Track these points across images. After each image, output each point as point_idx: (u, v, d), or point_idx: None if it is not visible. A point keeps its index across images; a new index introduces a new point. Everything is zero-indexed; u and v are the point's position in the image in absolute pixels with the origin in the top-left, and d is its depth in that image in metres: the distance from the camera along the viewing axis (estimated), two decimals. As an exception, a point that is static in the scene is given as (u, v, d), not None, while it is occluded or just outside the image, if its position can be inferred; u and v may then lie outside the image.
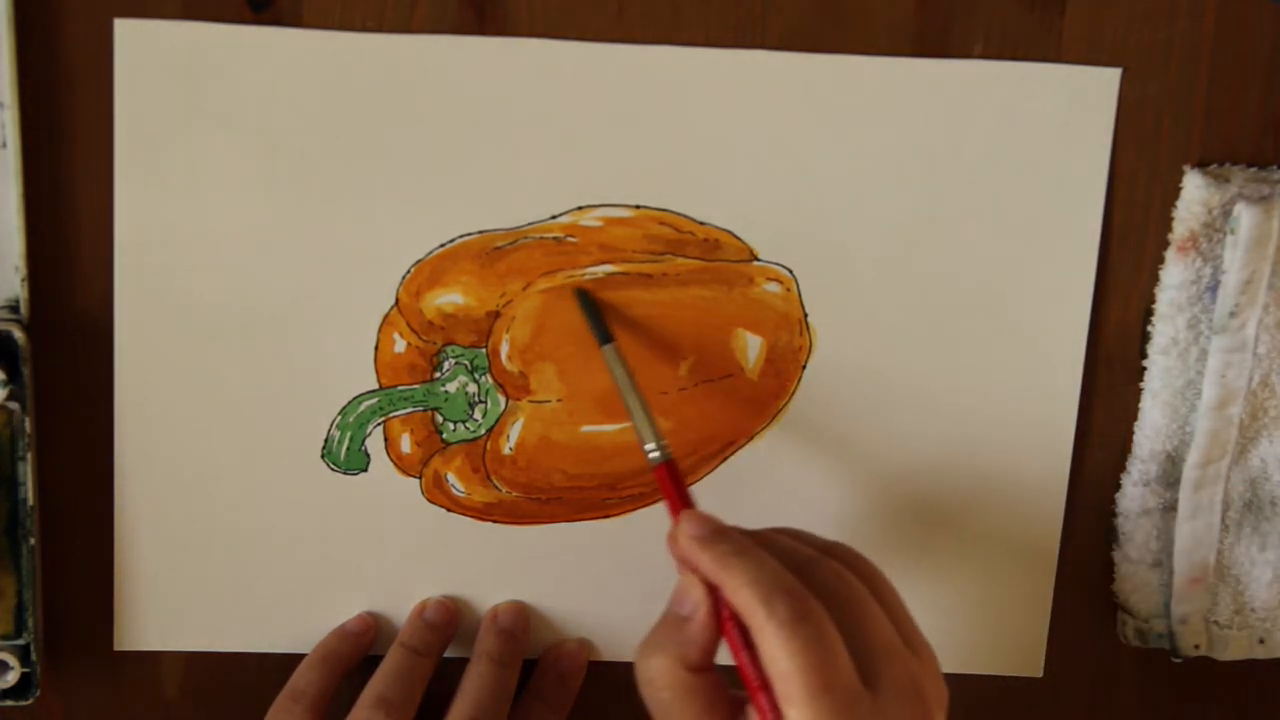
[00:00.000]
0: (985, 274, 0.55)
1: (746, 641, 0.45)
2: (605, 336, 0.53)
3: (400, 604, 0.56)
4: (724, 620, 0.46)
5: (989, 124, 0.54)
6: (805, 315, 0.55)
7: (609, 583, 0.57)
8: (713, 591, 0.46)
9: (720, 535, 0.47)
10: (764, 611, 0.44)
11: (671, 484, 0.50)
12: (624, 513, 0.56)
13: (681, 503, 0.49)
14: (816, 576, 0.46)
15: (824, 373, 0.55)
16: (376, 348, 0.54)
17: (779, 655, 0.43)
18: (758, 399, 0.56)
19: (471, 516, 0.56)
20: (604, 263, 0.54)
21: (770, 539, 0.48)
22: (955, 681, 0.57)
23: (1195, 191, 0.55)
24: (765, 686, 0.44)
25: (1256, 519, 0.58)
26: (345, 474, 0.55)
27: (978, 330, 0.56)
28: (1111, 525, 0.58)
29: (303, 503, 0.55)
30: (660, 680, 0.46)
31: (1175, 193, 0.55)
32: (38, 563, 0.53)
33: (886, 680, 0.45)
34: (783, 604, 0.44)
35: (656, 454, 0.50)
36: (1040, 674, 0.59)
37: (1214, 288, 0.55)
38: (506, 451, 0.55)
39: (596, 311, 0.53)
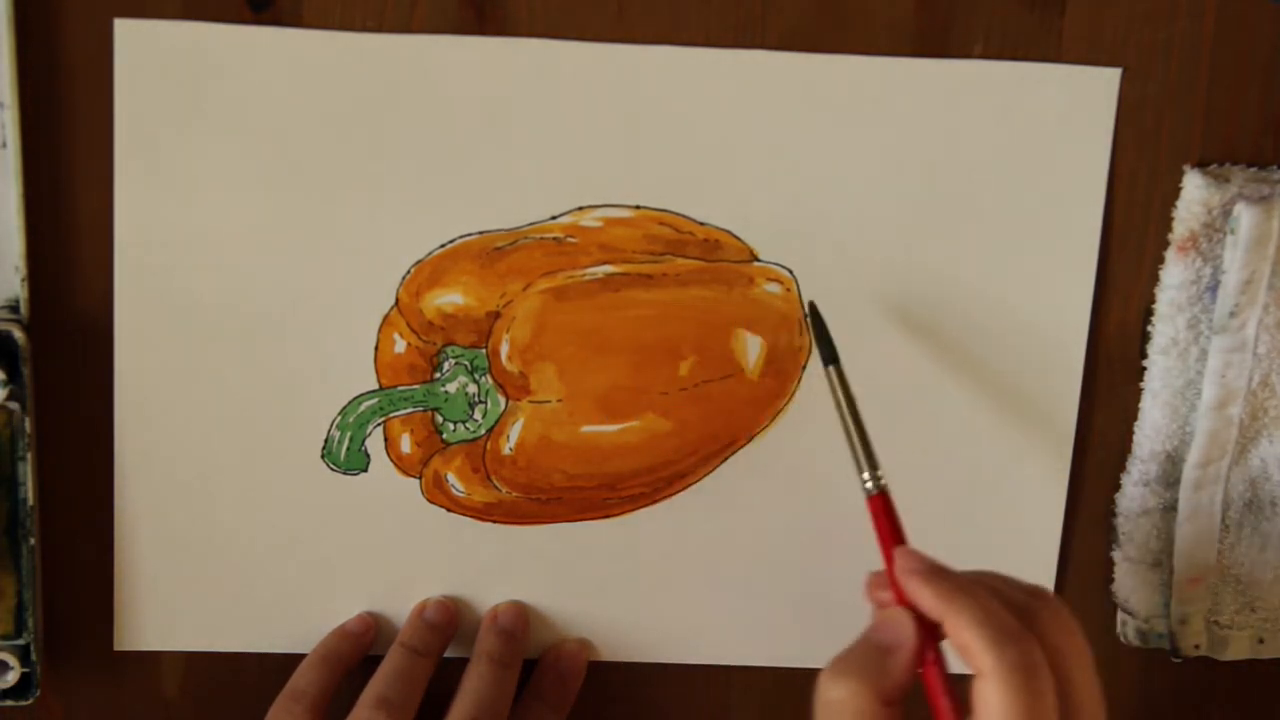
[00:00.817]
0: (985, 274, 0.55)
1: (948, 685, 0.45)
2: (831, 356, 0.52)
3: (400, 604, 0.56)
4: (930, 660, 0.46)
5: (989, 124, 0.54)
6: (805, 315, 0.55)
7: (609, 583, 0.57)
8: (924, 628, 0.46)
9: (942, 571, 0.47)
10: (993, 655, 0.44)
11: (885, 518, 0.49)
12: (624, 513, 0.56)
13: (895, 537, 0.49)
14: (1037, 625, 0.46)
15: (824, 373, 0.55)
16: (376, 348, 0.54)
17: (997, 700, 0.43)
18: (758, 399, 0.56)
19: (471, 516, 0.56)
20: (604, 263, 0.54)
21: (981, 578, 0.48)
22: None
23: (1195, 191, 0.55)
24: None
25: (1256, 519, 0.58)
26: (345, 474, 0.55)
27: (978, 330, 0.56)
28: (1111, 525, 0.58)
29: (303, 503, 0.55)
30: (850, 705, 0.45)
31: (1175, 193, 0.55)
32: (38, 563, 0.53)
33: None
34: (1013, 650, 0.44)
35: (871, 485, 0.50)
36: (1040, 674, 0.59)
37: (1214, 288, 0.55)
38: (506, 452, 0.55)
39: (825, 330, 0.53)
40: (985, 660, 0.44)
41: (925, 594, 0.46)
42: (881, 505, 0.50)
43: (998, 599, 0.46)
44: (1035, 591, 0.49)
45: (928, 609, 0.46)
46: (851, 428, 0.51)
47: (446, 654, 0.56)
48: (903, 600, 0.48)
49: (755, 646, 0.58)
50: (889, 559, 0.49)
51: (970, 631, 0.45)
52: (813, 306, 0.54)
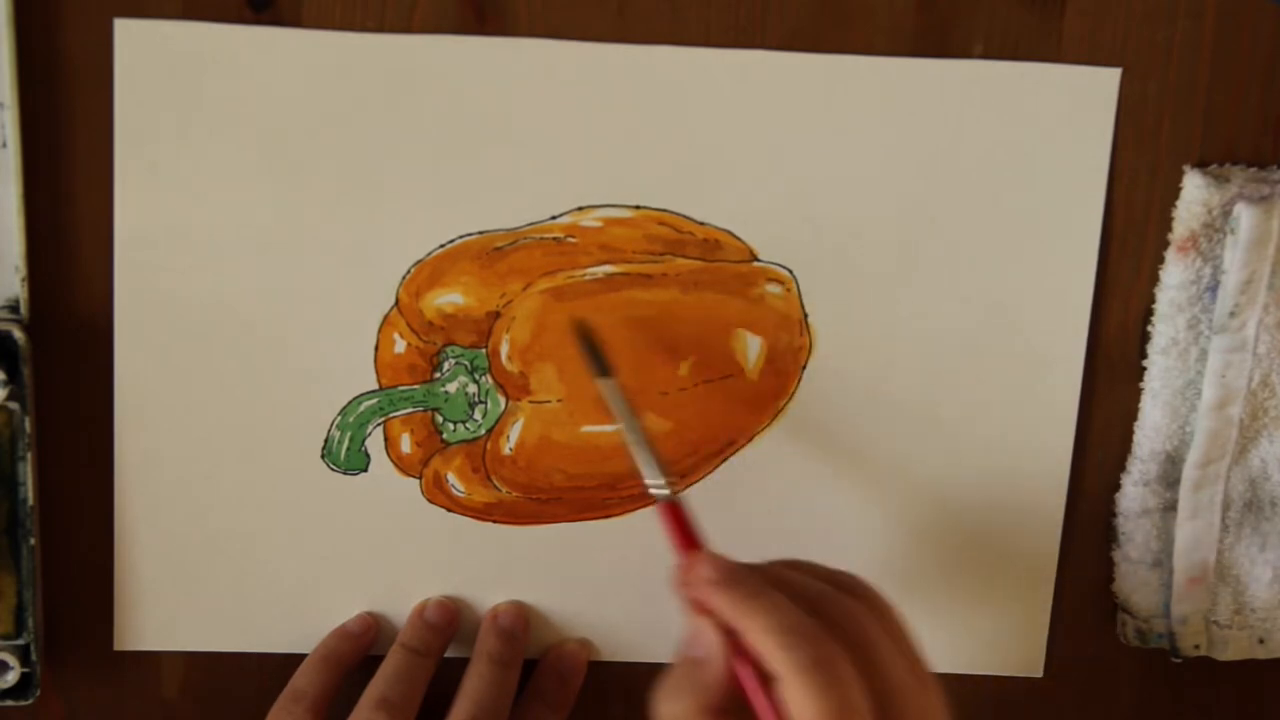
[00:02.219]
0: (985, 274, 0.55)
1: (765, 684, 0.44)
2: (604, 370, 0.52)
3: (400, 604, 0.56)
4: (741, 664, 0.45)
5: (989, 124, 0.54)
6: (805, 315, 0.55)
7: (609, 583, 0.57)
8: (728, 634, 0.46)
9: (735, 578, 0.46)
10: (784, 657, 0.44)
11: (677, 525, 0.49)
12: (624, 513, 0.56)
13: (689, 543, 0.48)
14: (832, 615, 0.46)
15: (824, 373, 0.55)
16: (376, 348, 0.54)
17: (800, 701, 0.43)
18: (758, 399, 0.56)
19: (471, 516, 0.56)
20: (604, 263, 0.54)
21: (781, 576, 0.48)
22: (955, 681, 0.57)
23: (1195, 191, 0.55)
24: None
25: (1256, 519, 0.58)
26: (345, 474, 0.55)
27: (978, 330, 0.56)
28: (1111, 525, 0.58)
29: (303, 503, 0.55)
30: None
31: (1175, 193, 0.55)
32: (38, 563, 0.53)
33: (901, 718, 0.45)
34: (803, 649, 0.44)
35: (663, 492, 0.49)
36: (1040, 674, 0.59)
37: (1214, 288, 0.55)
38: (506, 451, 0.55)
39: (594, 345, 0.52)
40: (778, 664, 0.44)
41: (719, 603, 0.46)
42: (672, 513, 0.49)
43: (795, 597, 0.46)
44: (838, 578, 0.48)
45: (723, 618, 0.46)
46: (636, 437, 0.50)
47: (446, 654, 0.56)
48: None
49: (755, 646, 0.58)
50: (685, 561, 0.48)
51: (761, 638, 0.44)
52: (579, 324, 0.53)
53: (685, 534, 0.49)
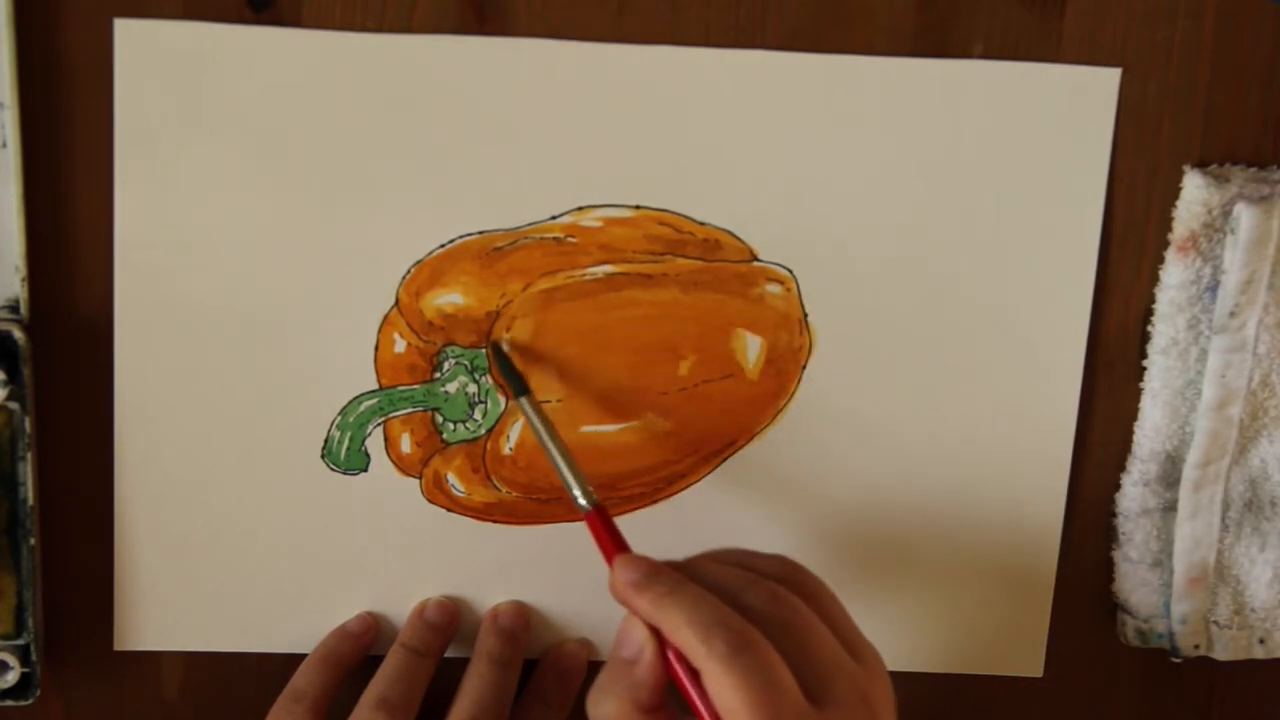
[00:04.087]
0: (985, 274, 0.55)
1: (695, 678, 0.45)
2: (521, 389, 0.52)
3: (400, 604, 0.56)
4: (669, 660, 0.46)
5: (989, 124, 0.54)
6: (805, 315, 0.55)
7: (609, 583, 0.57)
8: (656, 632, 0.46)
9: (654, 577, 0.47)
10: (704, 650, 0.44)
11: (603, 530, 0.49)
12: (624, 513, 0.56)
13: (615, 547, 0.49)
14: (752, 603, 0.46)
15: (824, 373, 0.55)
16: (376, 348, 0.54)
17: (723, 691, 0.43)
18: (758, 399, 0.56)
19: (471, 516, 0.56)
20: (604, 263, 0.54)
21: (703, 569, 0.48)
22: (955, 681, 0.57)
23: (1195, 191, 0.55)
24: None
25: (1256, 519, 0.58)
26: (345, 474, 0.55)
27: (978, 330, 0.56)
28: (1111, 525, 0.58)
29: (303, 503, 0.55)
30: None
31: (1175, 193, 0.55)
32: (38, 563, 0.53)
33: (834, 695, 0.45)
34: (721, 639, 0.44)
35: (584, 502, 0.50)
36: (1040, 674, 0.59)
37: (1214, 288, 0.55)
38: (506, 451, 0.55)
39: (509, 364, 0.53)
40: (698, 656, 0.44)
41: (639, 604, 0.46)
42: (598, 519, 0.49)
43: (716, 587, 0.46)
44: (764, 566, 0.48)
45: (644, 618, 0.46)
46: (556, 453, 0.51)
47: (446, 654, 0.56)
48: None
49: (755, 646, 0.58)
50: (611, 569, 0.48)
51: (679, 633, 0.45)
52: (493, 346, 0.54)
53: (610, 540, 0.49)
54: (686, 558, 0.49)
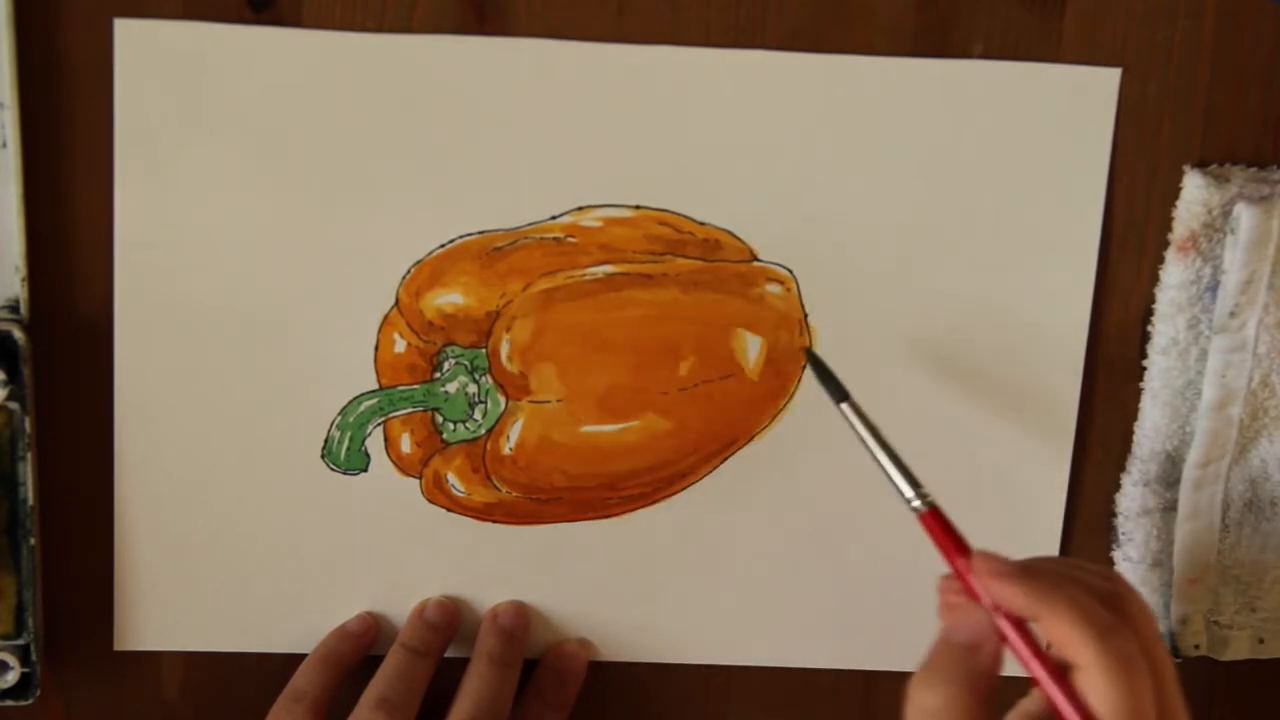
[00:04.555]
0: (985, 274, 0.55)
1: (1058, 673, 0.45)
2: (841, 395, 0.52)
3: (400, 604, 0.56)
4: (1029, 651, 0.45)
5: (989, 124, 0.54)
6: (805, 315, 0.55)
7: (609, 583, 0.57)
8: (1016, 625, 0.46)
9: (1027, 569, 0.47)
10: (1096, 647, 0.44)
11: (942, 530, 0.49)
12: (624, 513, 0.56)
13: (958, 545, 0.48)
14: (1127, 612, 0.46)
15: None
16: (376, 348, 0.54)
17: (1103, 692, 0.43)
18: (758, 399, 0.56)
19: (471, 516, 0.56)
20: (604, 263, 0.54)
21: (1069, 571, 0.48)
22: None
23: (1195, 191, 0.55)
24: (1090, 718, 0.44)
25: (1257, 519, 0.58)
26: (345, 474, 0.55)
27: (977, 330, 0.56)
28: (1111, 525, 0.58)
29: (303, 503, 0.55)
30: (950, 711, 0.45)
31: (1175, 193, 0.55)
32: (38, 563, 0.53)
33: (1171, 713, 0.45)
34: (1115, 641, 0.44)
35: (919, 504, 0.49)
36: (1040, 674, 0.59)
37: (1214, 288, 0.55)
38: (506, 451, 0.55)
39: (828, 371, 0.53)
40: (1088, 653, 0.44)
41: (1016, 594, 0.46)
42: (935, 520, 0.49)
43: (1087, 591, 0.46)
44: (1111, 577, 0.48)
45: (1019, 609, 0.46)
46: (884, 458, 0.50)
47: (446, 654, 0.56)
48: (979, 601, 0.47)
49: (755, 646, 0.58)
50: (957, 568, 0.48)
51: (1069, 627, 0.44)
52: (811, 355, 0.54)
53: (952, 537, 0.49)
54: (1025, 559, 0.48)
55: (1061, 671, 0.45)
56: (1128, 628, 0.45)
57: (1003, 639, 0.46)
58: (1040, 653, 0.46)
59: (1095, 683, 0.44)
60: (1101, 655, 0.44)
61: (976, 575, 0.47)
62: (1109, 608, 0.46)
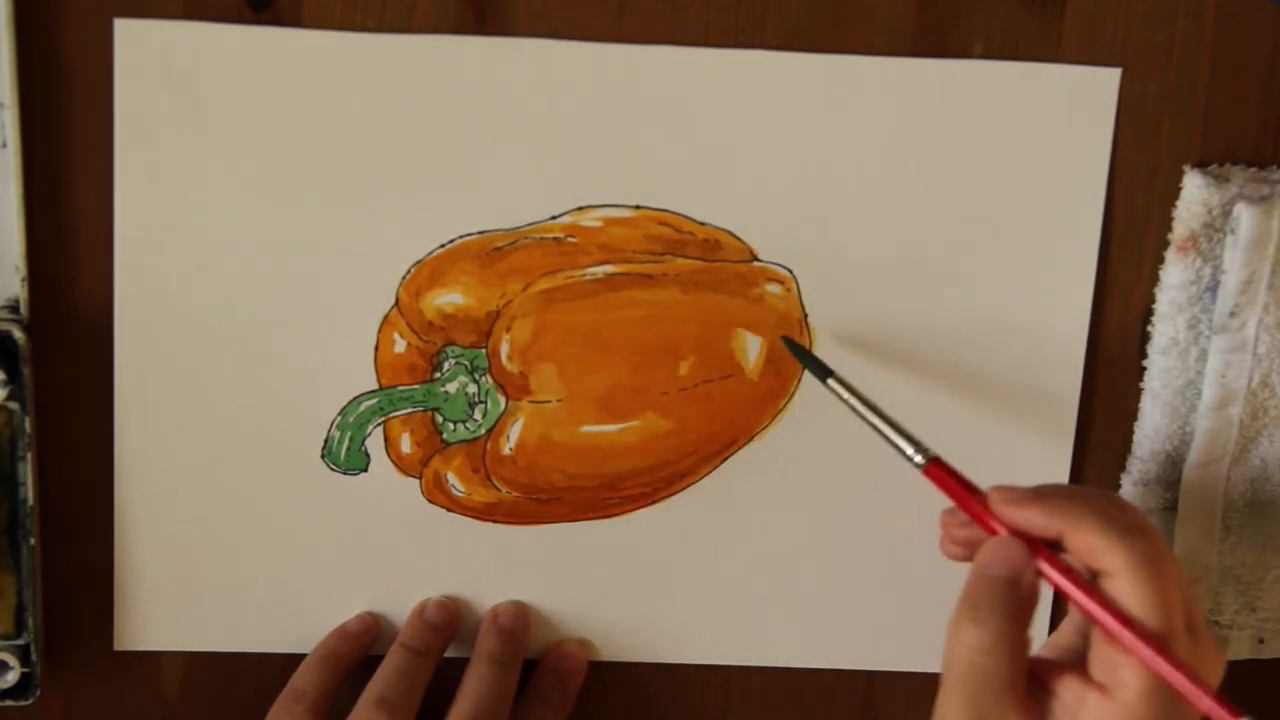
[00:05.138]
0: (985, 274, 0.55)
1: (1087, 584, 0.45)
2: (825, 372, 0.52)
3: (400, 604, 0.56)
4: (1058, 568, 0.46)
5: (989, 124, 0.54)
6: (805, 315, 0.55)
7: (609, 583, 0.57)
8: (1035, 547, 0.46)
9: (1043, 491, 0.47)
10: (1124, 551, 0.44)
11: (949, 477, 0.49)
12: (624, 513, 0.56)
13: (967, 489, 0.49)
14: (1142, 518, 0.46)
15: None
16: (376, 348, 0.54)
17: (1136, 595, 0.44)
18: (758, 399, 0.56)
19: (471, 516, 0.56)
20: (604, 263, 0.54)
21: (1078, 490, 0.48)
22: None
23: (1195, 191, 0.55)
24: (1131, 622, 0.44)
25: (1257, 519, 0.58)
26: (345, 474, 0.55)
27: (977, 330, 0.56)
28: (1111, 525, 0.58)
29: (303, 503, 0.55)
30: (1000, 646, 0.45)
31: (1175, 193, 0.55)
32: (38, 563, 0.53)
33: (1197, 625, 0.45)
34: (1142, 543, 0.44)
35: (920, 459, 0.50)
36: (1040, 674, 0.59)
37: (1214, 288, 0.55)
38: (506, 451, 0.55)
39: (808, 353, 0.54)
40: (1116, 558, 0.44)
41: (1036, 515, 0.46)
42: (940, 469, 0.49)
43: (1102, 502, 0.46)
44: (1113, 497, 0.49)
45: (1042, 528, 0.46)
46: (879, 421, 0.51)
47: (446, 654, 0.56)
48: (994, 534, 0.48)
49: (755, 646, 0.58)
50: (971, 509, 0.48)
51: (1095, 535, 0.45)
52: (789, 341, 0.54)
53: (960, 482, 0.49)
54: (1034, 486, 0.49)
55: (1092, 585, 0.45)
56: (1154, 530, 0.45)
57: (1039, 557, 0.46)
58: (1071, 569, 0.46)
59: (1126, 586, 0.44)
60: (1130, 557, 0.44)
61: (995, 507, 0.47)
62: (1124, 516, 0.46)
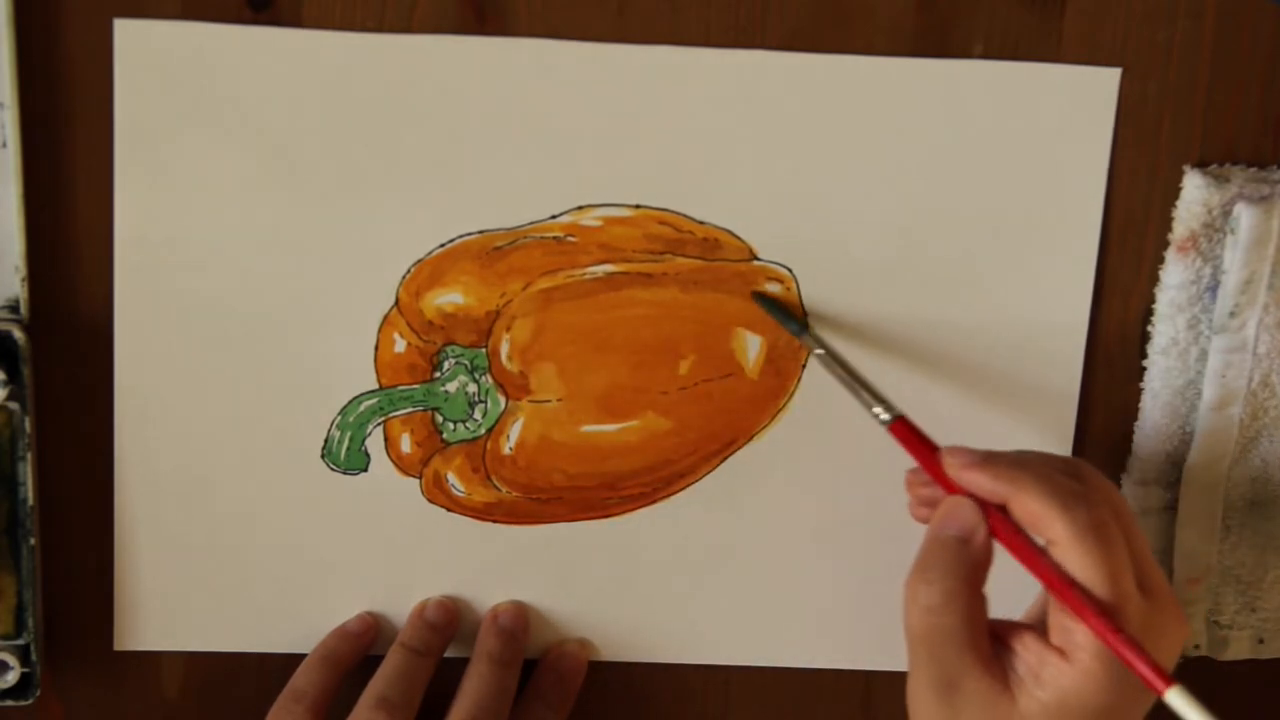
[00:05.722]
0: (985, 273, 0.55)
1: (1036, 549, 0.46)
2: (801, 327, 0.53)
3: (400, 604, 0.56)
4: (1008, 532, 0.46)
5: (989, 124, 0.54)
6: (805, 315, 0.55)
7: (609, 583, 0.57)
8: (985, 510, 0.47)
9: (993, 456, 0.47)
10: (1063, 521, 0.45)
11: (912, 435, 0.50)
12: (624, 513, 0.56)
13: (928, 447, 0.49)
14: (1091, 483, 0.47)
15: (824, 373, 0.55)
16: (376, 348, 0.54)
17: (1078, 562, 0.44)
18: (758, 399, 0.56)
19: (471, 516, 0.56)
20: (604, 262, 0.54)
21: (1032, 456, 0.49)
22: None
23: (1195, 191, 0.55)
24: (1075, 587, 0.44)
25: (1257, 519, 0.58)
26: (345, 474, 0.55)
27: (977, 330, 0.56)
28: (1112, 525, 0.58)
29: (303, 503, 0.55)
30: (950, 604, 0.46)
31: (1175, 193, 0.55)
32: (38, 563, 0.53)
33: (1153, 586, 0.46)
34: (1082, 512, 0.45)
35: (886, 416, 0.50)
36: (1040, 674, 0.59)
37: (1214, 288, 0.55)
38: (506, 451, 0.55)
39: (783, 307, 0.54)
40: (1058, 527, 0.45)
41: (983, 480, 0.47)
42: (904, 427, 0.50)
43: (1051, 470, 0.47)
44: (1072, 461, 0.49)
45: (988, 493, 0.47)
46: (847, 376, 0.52)
47: (446, 654, 0.56)
48: (953, 494, 0.48)
49: (755, 646, 0.58)
50: (931, 467, 0.49)
51: (1038, 502, 0.45)
52: (759, 295, 0.54)
53: (922, 440, 0.50)
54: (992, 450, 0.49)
55: (1040, 551, 0.46)
56: (1096, 498, 0.46)
57: (991, 520, 0.47)
58: (1020, 534, 0.46)
59: (1069, 554, 0.45)
60: (1071, 526, 0.45)
61: (947, 468, 0.48)
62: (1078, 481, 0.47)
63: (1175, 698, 0.43)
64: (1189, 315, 0.56)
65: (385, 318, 0.54)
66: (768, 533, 0.57)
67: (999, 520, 0.47)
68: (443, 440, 0.55)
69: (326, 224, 0.53)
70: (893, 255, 0.55)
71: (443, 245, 0.53)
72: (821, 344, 0.53)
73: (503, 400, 0.55)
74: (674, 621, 0.58)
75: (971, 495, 0.48)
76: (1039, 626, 0.47)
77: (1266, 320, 0.55)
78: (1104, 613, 0.44)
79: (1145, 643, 0.44)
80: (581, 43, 0.52)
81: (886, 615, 0.58)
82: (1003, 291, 0.55)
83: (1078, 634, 0.45)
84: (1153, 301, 0.56)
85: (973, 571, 0.47)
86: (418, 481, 0.55)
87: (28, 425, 0.52)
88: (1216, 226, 0.55)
